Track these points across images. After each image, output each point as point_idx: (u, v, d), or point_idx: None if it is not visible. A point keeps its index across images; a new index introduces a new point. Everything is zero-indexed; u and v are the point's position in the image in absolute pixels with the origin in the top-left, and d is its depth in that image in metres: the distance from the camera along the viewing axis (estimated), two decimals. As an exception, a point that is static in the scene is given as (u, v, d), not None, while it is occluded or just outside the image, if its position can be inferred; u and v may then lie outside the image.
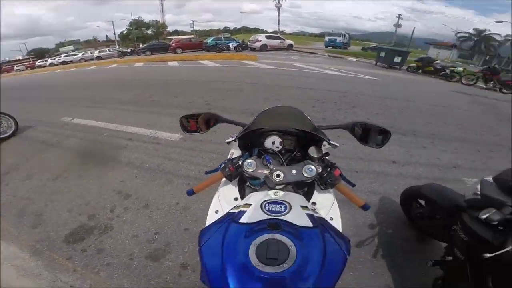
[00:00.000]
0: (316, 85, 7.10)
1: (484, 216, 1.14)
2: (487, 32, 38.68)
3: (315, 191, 0.93)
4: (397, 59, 12.81)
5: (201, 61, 12.89)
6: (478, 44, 39.45)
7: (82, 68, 16.84)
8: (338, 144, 0.97)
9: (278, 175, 0.80)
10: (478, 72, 11.25)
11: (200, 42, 22.70)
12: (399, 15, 32.45)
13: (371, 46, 34.48)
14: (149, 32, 50.11)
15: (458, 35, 40.47)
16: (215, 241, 0.67)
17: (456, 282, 1.33)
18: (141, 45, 30.00)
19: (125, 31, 51.09)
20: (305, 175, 0.80)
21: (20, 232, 2.07)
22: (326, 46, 27.42)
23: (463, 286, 1.28)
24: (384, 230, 2.13)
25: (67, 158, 3.24)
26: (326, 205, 0.88)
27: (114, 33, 47.75)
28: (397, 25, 32.39)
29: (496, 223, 1.12)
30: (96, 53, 27.19)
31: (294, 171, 0.82)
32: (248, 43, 20.47)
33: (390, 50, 13.49)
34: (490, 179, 1.31)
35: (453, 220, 1.50)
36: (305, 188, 0.95)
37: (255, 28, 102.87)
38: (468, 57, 34.77)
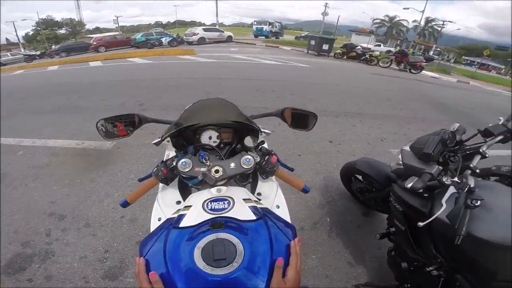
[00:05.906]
0: (256, 75, 7.21)
1: (409, 185, 1.11)
2: (397, 19, 44.62)
3: (259, 182, 0.91)
4: (325, 47, 13.91)
5: (130, 59, 11.70)
6: (390, 29, 45.43)
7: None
8: (269, 132, 0.98)
9: (217, 171, 0.75)
10: (391, 55, 13.01)
11: (127, 39, 20.58)
12: (326, 3, 34.12)
13: (302, 35, 36.34)
14: (63, 31, 43.38)
15: (374, 21, 45.92)
16: (157, 251, 0.59)
17: (406, 251, 1.33)
18: (53, 46, 25.75)
19: (31, 32, 43.16)
20: (244, 166, 0.77)
21: None
22: (255, 36, 26.65)
23: (413, 255, 1.28)
24: (333, 208, 2.27)
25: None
26: (271, 194, 0.87)
27: (17, 35, 39.12)
28: (325, 13, 34.21)
29: (420, 191, 1.10)
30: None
31: (232, 164, 0.78)
32: (184, 37, 19.46)
33: (318, 38, 14.53)
34: (407, 148, 1.31)
35: (388, 192, 1.51)
36: (250, 180, 0.93)
37: (191, 21, 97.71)
38: (383, 42, 39.61)
